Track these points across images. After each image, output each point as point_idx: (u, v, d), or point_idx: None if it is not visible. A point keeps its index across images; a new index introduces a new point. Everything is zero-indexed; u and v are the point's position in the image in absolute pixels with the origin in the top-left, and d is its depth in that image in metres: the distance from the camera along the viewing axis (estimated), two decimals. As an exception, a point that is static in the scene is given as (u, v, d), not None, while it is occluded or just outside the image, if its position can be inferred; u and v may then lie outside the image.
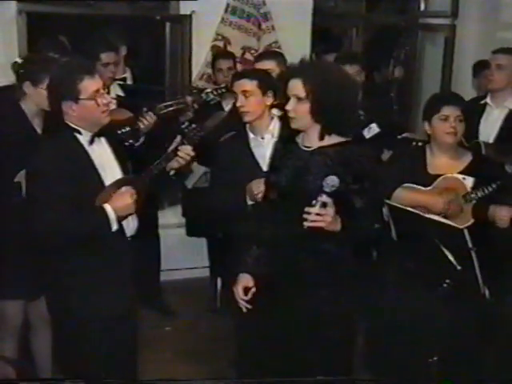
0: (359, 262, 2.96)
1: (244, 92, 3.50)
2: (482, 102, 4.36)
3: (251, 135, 3.58)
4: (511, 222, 3.44)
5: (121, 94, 4.52)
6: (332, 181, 2.76)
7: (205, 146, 3.44)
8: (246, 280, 3.03)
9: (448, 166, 3.54)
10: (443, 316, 3.27)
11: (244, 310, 3.01)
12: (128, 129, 3.91)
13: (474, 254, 2.92)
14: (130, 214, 3.04)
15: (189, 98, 4.27)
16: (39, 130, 3.48)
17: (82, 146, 2.98)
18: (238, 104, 3.52)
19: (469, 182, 3.47)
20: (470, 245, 2.92)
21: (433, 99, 3.68)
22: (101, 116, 2.98)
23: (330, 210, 2.72)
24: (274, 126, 3.54)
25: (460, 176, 3.49)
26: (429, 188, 3.50)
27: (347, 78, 3.03)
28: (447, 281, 3.07)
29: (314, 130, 2.91)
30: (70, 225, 2.88)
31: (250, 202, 3.42)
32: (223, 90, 4.37)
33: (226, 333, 4.12)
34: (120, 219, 2.99)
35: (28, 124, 3.45)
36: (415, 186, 3.52)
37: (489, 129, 4.26)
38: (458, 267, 3.00)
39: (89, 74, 2.95)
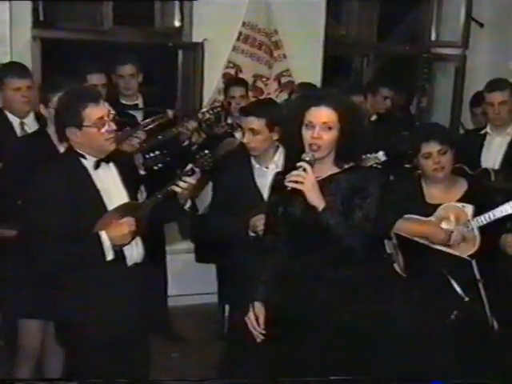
0: (373, 288, 2.93)
1: (251, 130, 3.48)
2: (482, 132, 4.43)
3: (256, 165, 3.57)
4: None
5: None
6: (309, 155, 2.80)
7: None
8: (257, 309, 2.96)
9: (445, 195, 3.53)
10: (451, 348, 3.26)
11: (258, 340, 2.94)
12: (157, 153, 3.90)
13: (481, 285, 2.92)
14: (126, 245, 2.99)
15: (192, 124, 4.28)
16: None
17: (86, 170, 2.99)
18: (244, 140, 3.52)
19: (469, 209, 3.44)
20: (477, 276, 2.91)
21: (412, 137, 3.67)
22: (105, 143, 2.98)
23: (309, 176, 2.74)
24: (279, 157, 3.53)
25: (459, 204, 3.46)
26: (429, 218, 3.48)
27: (360, 107, 3.07)
28: (455, 312, 3.06)
29: (329, 159, 2.88)
30: (63, 250, 2.88)
31: (251, 234, 3.42)
32: (219, 109, 4.38)
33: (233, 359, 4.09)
34: (117, 248, 2.95)
35: (53, 147, 3.44)
36: (415, 216, 3.49)
37: (492, 157, 4.32)
38: (466, 298, 2.99)
39: (93, 101, 2.95)
